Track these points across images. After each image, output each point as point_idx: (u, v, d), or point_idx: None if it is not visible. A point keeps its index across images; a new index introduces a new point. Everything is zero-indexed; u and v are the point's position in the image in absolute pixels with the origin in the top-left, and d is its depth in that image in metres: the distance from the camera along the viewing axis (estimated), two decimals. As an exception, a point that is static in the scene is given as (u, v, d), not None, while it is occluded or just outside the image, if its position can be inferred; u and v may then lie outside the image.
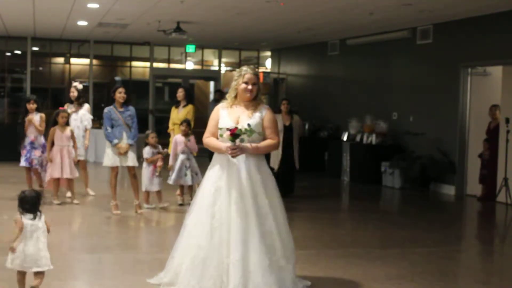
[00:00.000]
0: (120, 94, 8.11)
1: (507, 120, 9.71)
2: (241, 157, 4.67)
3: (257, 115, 4.79)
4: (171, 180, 8.57)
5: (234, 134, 4.58)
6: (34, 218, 4.57)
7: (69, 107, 9.43)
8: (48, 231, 4.63)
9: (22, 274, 4.59)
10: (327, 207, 9.57)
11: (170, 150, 9.61)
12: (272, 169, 9.50)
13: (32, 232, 4.54)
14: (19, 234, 4.49)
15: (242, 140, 4.63)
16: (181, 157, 8.51)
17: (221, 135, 4.74)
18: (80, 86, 9.52)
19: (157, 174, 8.41)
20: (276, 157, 9.62)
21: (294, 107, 10.89)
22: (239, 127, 4.63)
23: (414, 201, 10.39)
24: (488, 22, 10.28)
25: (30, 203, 4.60)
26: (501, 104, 10.15)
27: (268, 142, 4.80)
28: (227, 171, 4.68)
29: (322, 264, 5.83)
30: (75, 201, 8.78)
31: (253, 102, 4.85)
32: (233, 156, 4.61)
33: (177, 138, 8.62)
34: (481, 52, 10.47)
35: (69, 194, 8.99)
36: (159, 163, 8.41)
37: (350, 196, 11.48)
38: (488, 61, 10.49)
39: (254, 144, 4.70)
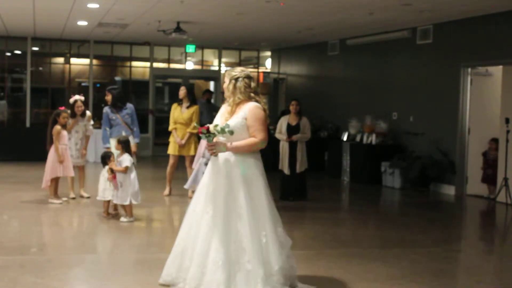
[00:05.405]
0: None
1: (507, 120, 9.70)
2: (222, 156, 4.72)
3: (240, 114, 4.77)
4: (186, 184, 7.56)
5: (201, 132, 4.67)
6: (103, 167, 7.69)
7: (70, 120, 9.04)
8: (112, 172, 7.44)
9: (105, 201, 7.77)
10: (327, 207, 9.57)
11: (170, 150, 9.53)
12: (282, 171, 9.48)
13: (101, 176, 7.68)
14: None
15: (209, 140, 4.67)
16: (200, 160, 7.72)
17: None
18: (83, 98, 9.32)
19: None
20: (284, 159, 9.46)
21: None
22: (213, 126, 4.68)
23: (414, 201, 10.38)
24: (488, 22, 10.28)
25: (101, 159, 7.72)
26: (501, 104, 10.15)
27: (247, 140, 4.73)
28: (212, 167, 4.79)
29: (323, 263, 5.83)
30: (72, 196, 8.99)
31: (241, 101, 4.82)
32: (211, 154, 4.74)
33: (203, 142, 8.09)
34: (481, 52, 10.46)
35: (72, 195, 9.01)
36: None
37: (350, 196, 11.47)
38: (488, 61, 10.49)
39: (235, 143, 4.70)
